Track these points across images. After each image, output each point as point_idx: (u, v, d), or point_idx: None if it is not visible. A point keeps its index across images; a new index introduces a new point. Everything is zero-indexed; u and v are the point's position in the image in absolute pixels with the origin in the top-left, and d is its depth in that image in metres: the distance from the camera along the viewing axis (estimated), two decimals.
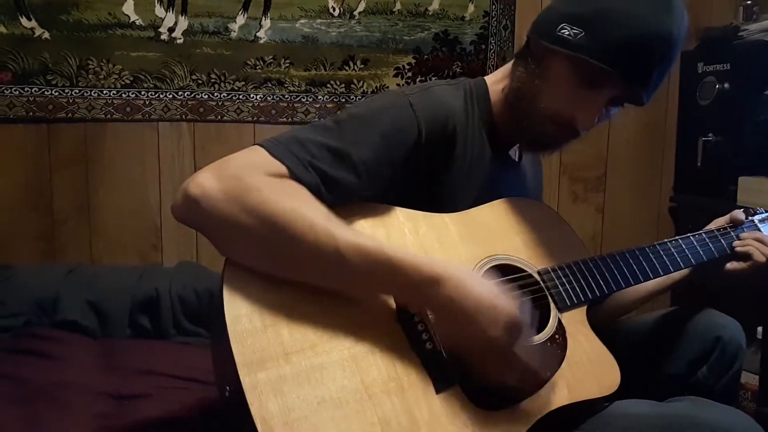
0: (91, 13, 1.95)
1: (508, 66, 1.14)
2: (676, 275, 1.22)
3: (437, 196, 1.04)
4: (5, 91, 1.92)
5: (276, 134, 0.92)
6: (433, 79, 2.23)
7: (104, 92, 1.99)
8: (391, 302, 0.92)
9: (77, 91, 1.97)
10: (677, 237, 1.20)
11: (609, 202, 2.49)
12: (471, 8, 2.26)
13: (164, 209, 2.07)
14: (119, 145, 2.03)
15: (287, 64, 2.12)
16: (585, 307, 1.07)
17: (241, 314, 0.83)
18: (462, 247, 1.01)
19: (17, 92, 1.93)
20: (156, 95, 2.03)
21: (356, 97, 2.19)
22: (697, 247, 1.19)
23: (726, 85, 2.17)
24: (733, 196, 2.04)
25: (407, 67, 2.23)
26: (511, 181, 1.20)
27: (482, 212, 1.08)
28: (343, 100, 2.19)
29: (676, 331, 1.20)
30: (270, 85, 2.12)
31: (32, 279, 1.75)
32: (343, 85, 2.18)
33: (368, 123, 0.95)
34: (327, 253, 0.83)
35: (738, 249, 1.20)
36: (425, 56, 2.25)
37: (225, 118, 2.09)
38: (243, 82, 2.09)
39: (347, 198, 0.93)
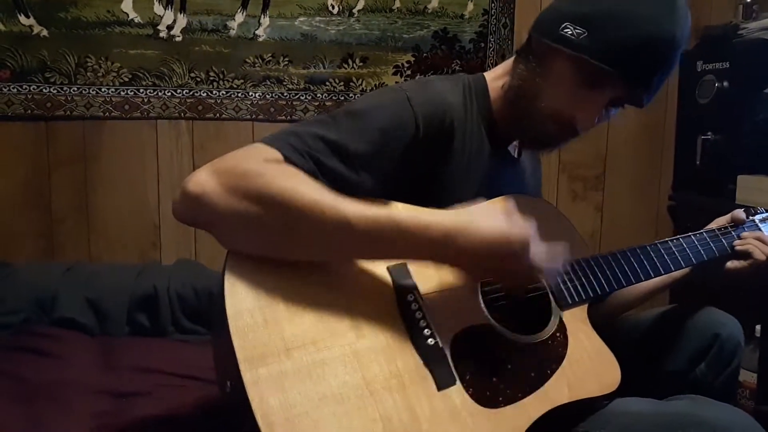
0: (90, 11, 1.95)
1: (509, 62, 1.14)
2: (677, 274, 1.22)
3: (436, 191, 1.04)
4: (3, 88, 1.91)
5: (274, 132, 0.92)
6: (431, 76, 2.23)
7: (103, 90, 1.99)
8: (393, 297, 0.92)
9: (76, 88, 1.97)
10: (679, 236, 1.20)
11: (608, 201, 2.49)
12: (470, 6, 2.26)
13: (163, 207, 2.07)
14: (118, 143, 2.02)
15: (286, 62, 2.12)
16: (586, 305, 1.08)
17: (242, 309, 0.82)
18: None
19: (15, 90, 1.92)
20: (155, 93, 2.03)
21: (355, 95, 2.19)
22: (698, 246, 1.20)
23: (725, 84, 2.17)
24: (732, 195, 2.04)
25: (406, 65, 2.23)
26: (510, 177, 1.20)
27: (483, 208, 1.07)
28: (342, 98, 2.18)
29: (676, 328, 1.20)
30: (269, 83, 2.12)
31: (31, 277, 1.74)
32: (342, 83, 2.18)
33: (365, 117, 0.95)
34: (334, 224, 0.83)
35: (738, 248, 1.20)
36: (424, 54, 2.25)
37: (224, 116, 2.09)
38: (242, 80, 2.09)
39: (342, 188, 0.92)
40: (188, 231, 2.06)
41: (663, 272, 1.16)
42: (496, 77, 1.14)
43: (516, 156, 1.22)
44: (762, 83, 2.07)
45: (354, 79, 2.19)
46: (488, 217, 0.88)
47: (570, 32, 1.00)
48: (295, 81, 2.14)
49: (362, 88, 2.20)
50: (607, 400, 0.99)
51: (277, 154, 0.87)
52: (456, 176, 1.05)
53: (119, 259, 2.02)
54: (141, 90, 2.02)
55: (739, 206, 1.30)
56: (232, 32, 2.07)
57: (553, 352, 0.99)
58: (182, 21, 2.02)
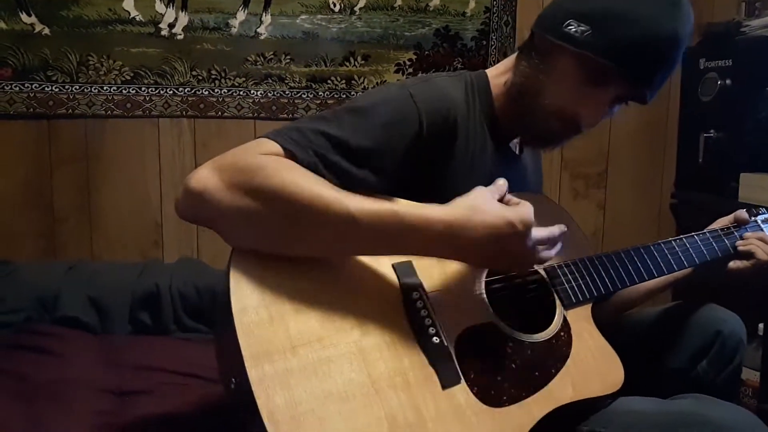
0: (92, 9, 1.95)
1: (511, 59, 1.13)
2: (680, 273, 1.22)
3: (438, 188, 1.04)
4: (5, 87, 1.91)
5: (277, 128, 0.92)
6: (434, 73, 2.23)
7: (104, 88, 1.99)
8: (399, 295, 0.92)
9: (77, 87, 1.97)
10: (682, 236, 1.20)
11: (610, 199, 2.49)
12: (472, 4, 2.26)
13: (165, 205, 2.07)
14: (120, 141, 2.02)
15: (288, 60, 2.12)
16: (590, 305, 1.08)
17: (247, 306, 0.82)
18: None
19: (17, 88, 1.92)
20: (156, 91, 2.03)
21: (357, 93, 2.19)
22: (701, 246, 1.20)
23: (728, 82, 2.17)
24: (735, 193, 2.04)
25: (408, 63, 2.23)
26: (512, 174, 1.19)
27: None
28: (344, 96, 2.18)
29: (677, 325, 1.20)
30: (270, 81, 2.11)
31: (33, 275, 1.74)
32: (343, 81, 2.18)
33: (368, 114, 0.95)
34: (338, 219, 0.83)
35: (741, 248, 1.21)
36: (426, 52, 2.24)
37: (225, 114, 2.09)
38: (243, 78, 2.09)
39: (345, 184, 0.92)
40: (190, 229, 2.06)
41: (666, 272, 1.16)
42: (498, 74, 1.13)
43: (517, 153, 1.22)
44: (765, 81, 2.07)
45: (356, 77, 2.19)
46: (487, 204, 0.88)
47: (574, 29, 1.00)
48: (297, 79, 2.13)
49: (364, 86, 2.19)
50: (610, 399, 0.99)
51: (278, 148, 0.87)
52: (459, 173, 1.05)
53: (121, 257, 2.02)
54: (143, 88, 2.02)
55: (742, 204, 1.30)
56: (234, 30, 2.07)
57: (558, 351, 0.99)
58: (184, 19, 2.02)
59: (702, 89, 2.27)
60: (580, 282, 1.07)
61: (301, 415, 0.77)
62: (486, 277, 1.00)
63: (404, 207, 0.86)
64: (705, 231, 1.24)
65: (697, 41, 2.31)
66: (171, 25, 2.02)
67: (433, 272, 0.96)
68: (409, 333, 0.89)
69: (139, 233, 2.06)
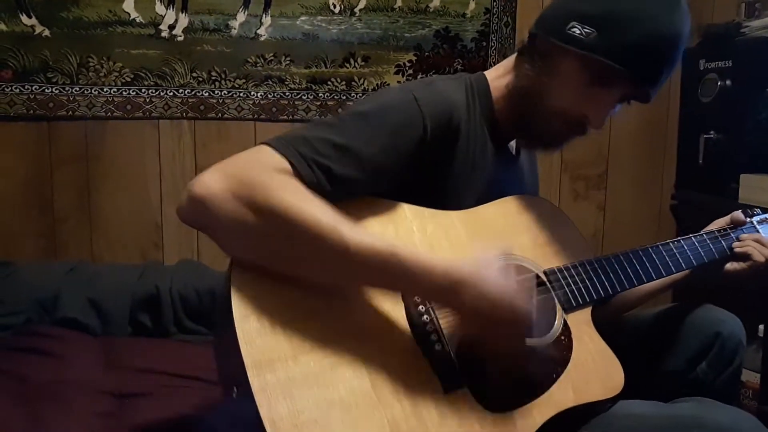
0: (92, 11, 1.95)
1: (510, 61, 1.13)
2: (678, 275, 1.22)
3: (440, 191, 1.04)
4: (6, 88, 1.91)
5: (277, 132, 0.92)
6: (437, 75, 2.23)
7: (105, 90, 1.99)
8: (400, 302, 0.92)
9: (78, 88, 1.97)
10: (679, 238, 1.20)
11: (610, 200, 2.49)
12: (472, 5, 2.26)
13: (165, 207, 2.07)
14: (120, 143, 2.02)
15: (288, 62, 2.12)
16: (590, 308, 1.08)
17: (249, 314, 0.82)
18: (469, 245, 1.01)
19: (18, 90, 1.92)
20: (157, 93, 2.03)
21: (357, 94, 2.19)
22: (699, 248, 1.20)
23: (728, 83, 2.16)
24: (735, 194, 2.04)
25: (408, 64, 2.23)
26: (511, 175, 1.20)
27: (489, 210, 1.08)
28: (344, 97, 2.18)
29: (676, 327, 1.20)
30: (271, 82, 2.11)
31: (33, 277, 1.75)
32: (344, 83, 2.18)
33: (373, 119, 0.95)
34: (335, 250, 0.82)
35: (737, 250, 1.21)
36: (426, 53, 2.24)
37: (226, 115, 2.09)
38: (244, 80, 2.09)
39: (351, 194, 0.92)
40: (191, 231, 2.06)
41: (665, 274, 1.16)
42: (497, 76, 1.14)
43: (514, 153, 1.22)
44: (765, 82, 2.07)
45: (356, 79, 2.19)
46: (495, 274, 0.87)
47: (578, 32, 1.00)
48: (297, 80, 2.13)
49: (364, 88, 2.19)
50: (610, 403, 0.99)
51: (285, 165, 0.87)
52: (460, 176, 1.05)
53: (121, 259, 2.02)
54: (143, 90, 2.02)
55: (742, 205, 1.30)
56: (234, 32, 2.07)
57: (558, 356, 0.99)
58: (184, 21, 2.02)
59: (702, 90, 2.27)
60: (580, 285, 1.07)
61: (304, 424, 0.77)
62: None
63: (405, 249, 0.85)
64: (702, 233, 1.24)
65: (697, 42, 2.31)
66: (171, 27, 2.02)
67: None
68: (411, 340, 0.89)
69: (140, 234, 2.06)
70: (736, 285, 1.21)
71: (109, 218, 2.03)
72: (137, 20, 1.99)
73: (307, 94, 2.15)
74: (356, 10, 2.16)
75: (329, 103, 2.17)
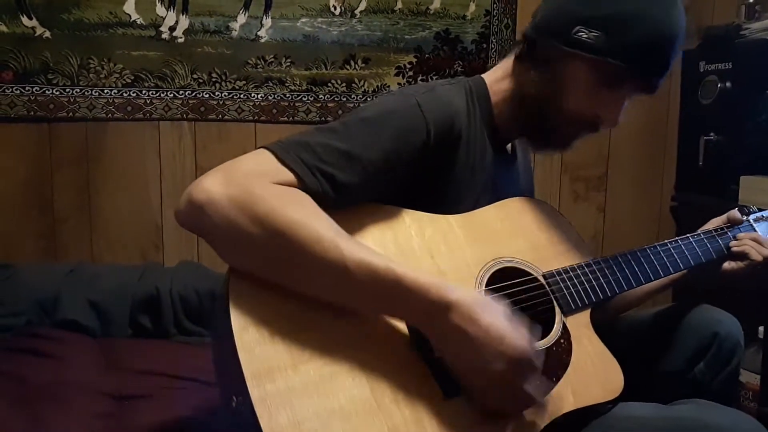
0: (92, 12, 1.95)
1: (508, 64, 1.13)
2: (676, 275, 1.22)
3: (440, 195, 1.04)
4: (6, 90, 1.91)
5: (277, 133, 0.92)
6: (434, 78, 2.23)
7: (105, 91, 1.99)
8: None
9: (78, 90, 1.97)
10: (676, 238, 1.20)
11: (610, 202, 2.49)
12: (472, 7, 2.26)
13: (165, 208, 2.07)
14: (120, 144, 2.03)
15: (288, 63, 2.12)
16: (589, 310, 1.07)
17: (248, 323, 0.81)
18: (468, 249, 1.01)
19: (18, 91, 1.93)
20: (157, 94, 2.03)
21: (357, 96, 2.19)
22: (696, 247, 1.20)
23: (728, 84, 2.17)
24: (735, 196, 2.04)
25: (408, 66, 2.23)
26: (508, 176, 1.20)
27: (487, 213, 1.08)
28: (344, 99, 2.18)
29: (674, 327, 1.20)
30: (271, 84, 2.12)
31: (33, 278, 1.75)
32: (344, 85, 2.18)
33: (377, 124, 0.95)
34: (333, 267, 0.81)
35: (734, 249, 1.21)
36: (426, 55, 2.24)
37: (226, 117, 2.09)
38: (244, 82, 2.09)
39: (355, 200, 0.92)
40: (191, 233, 2.06)
41: (663, 274, 1.16)
42: (496, 80, 1.13)
43: (510, 153, 1.22)
44: (765, 84, 2.07)
45: (356, 81, 2.19)
46: (496, 309, 0.84)
47: (585, 35, 1.01)
48: (297, 82, 2.14)
49: (364, 90, 2.20)
50: (610, 405, 0.99)
51: (289, 175, 0.86)
52: (460, 181, 1.05)
53: (121, 260, 2.02)
54: (143, 91, 2.02)
55: (741, 206, 1.30)
56: (234, 33, 2.07)
57: (558, 359, 0.98)
58: (184, 22, 2.02)
59: (702, 92, 2.27)
60: (579, 288, 1.07)
61: None
62: (485, 287, 0.99)
63: (403, 269, 0.83)
64: (699, 232, 1.24)
65: (697, 44, 2.31)
66: (172, 29, 2.02)
67: None
68: (411, 347, 0.89)
69: (140, 235, 2.06)
70: (733, 284, 1.21)
71: (109, 219, 2.03)
72: (138, 22, 1.99)
73: (308, 95, 2.15)
74: (357, 11, 2.16)
75: (329, 104, 2.17)
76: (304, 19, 2.12)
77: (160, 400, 1.33)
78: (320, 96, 2.16)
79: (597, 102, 1.05)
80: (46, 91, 1.95)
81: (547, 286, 1.05)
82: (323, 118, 2.15)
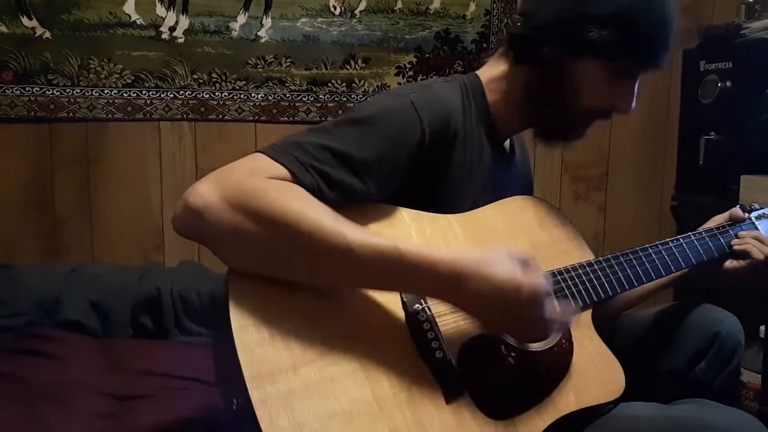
0: (92, 13, 1.95)
1: (503, 63, 1.12)
2: (677, 273, 1.22)
3: (437, 195, 1.04)
4: (6, 90, 1.91)
5: (278, 133, 0.92)
6: (434, 77, 2.23)
7: (105, 92, 1.99)
8: (401, 310, 0.91)
9: (78, 90, 1.97)
10: (678, 236, 1.20)
11: (611, 201, 2.49)
12: (472, 7, 2.26)
13: (166, 209, 2.07)
14: (121, 144, 2.03)
15: (288, 63, 2.12)
16: (590, 310, 1.07)
17: (248, 324, 0.80)
18: (468, 248, 1.01)
19: (18, 92, 1.93)
20: (157, 95, 2.03)
21: (357, 96, 2.19)
22: (697, 245, 1.19)
23: (728, 84, 2.16)
24: (735, 195, 2.04)
25: (408, 66, 2.23)
26: (506, 174, 1.20)
27: (488, 213, 1.08)
28: (345, 99, 2.18)
29: (674, 326, 1.20)
30: (271, 84, 2.12)
31: (34, 279, 1.75)
32: (344, 84, 2.18)
33: (371, 125, 0.94)
34: (338, 252, 0.81)
35: (736, 248, 1.20)
36: (426, 55, 2.24)
37: (226, 117, 2.09)
38: (244, 82, 2.09)
39: (350, 200, 0.92)
40: None
41: (664, 273, 1.15)
42: (492, 78, 1.13)
43: (508, 151, 1.22)
44: (765, 83, 2.07)
45: (356, 80, 2.19)
46: (499, 261, 0.85)
47: (597, 35, 1.01)
48: (298, 82, 2.14)
49: (364, 89, 2.20)
50: (611, 405, 0.99)
51: (282, 170, 0.86)
52: (457, 180, 1.05)
53: (122, 260, 2.02)
54: (144, 92, 2.02)
55: (742, 205, 1.29)
56: (234, 33, 2.07)
57: (560, 360, 0.98)
58: (184, 22, 2.02)
59: (702, 91, 2.27)
60: (581, 288, 1.06)
61: None
62: None
63: (408, 245, 0.84)
64: (700, 230, 1.23)
65: (697, 43, 2.31)
66: (172, 29, 2.02)
67: None
68: (412, 348, 0.89)
69: (141, 236, 2.06)
70: (735, 283, 1.20)
71: (109, 220, 2.03)
72: (138, 22, 1.99)
73: (308, 95, 2.15)
74: (356, 11, 2.16)
75: (330, 104, 2.17)
76: (304, 19, 2.12)
77: (161, 400, 1.33)
78: (320, 96, 2.16)
79: (612, 94, 1.06)
80: (47, 92, 1.95)
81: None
82: (323, 118, 2.15)
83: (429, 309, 0.92)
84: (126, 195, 2.04)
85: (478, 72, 1.15)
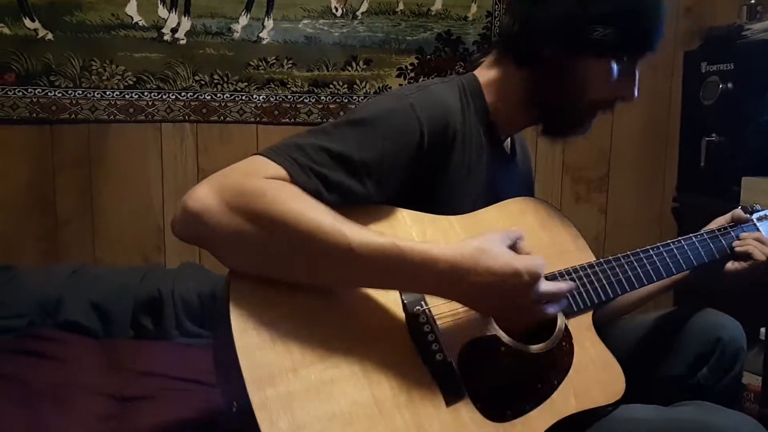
0: (94, 14, 1.96)
1: (500, 63, 1.12)
2: (678, 275, 1.22)
3: (436, 196, 1.04)
4: (9, 92, 1.92)
5: (279, 135, 0.92)
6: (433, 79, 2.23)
7: (107, 93, 1.99)
8: (401, 312, 0.91)
9: (80, 92, 1.97)
10: (680, 238, 1.20)
11: (612, 203, 2.49)
12: (474, 8, 2.26)
13: (167, 210, 2.07)
14: (122, 146, 2.03)
15: (290, 65, 2.12)
16: (591, 312, 1.07)
17: (248, 326, 0.80)
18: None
19: (20, 93, 1.93)
20: (159, 96, 2.03)
21: (359, 97, 2.19)
22: (699, 247, 1.19)
23: (729, 85, 2.17)
24: (736, 197, 2.04)
25: (410, 67, 2.23)
26: (507, 175, 1.20)
27: (489, 214, 1.08)
28: (346, 100, 2.19)
29: (676, 331, 1.20)
30: (273, 85, 2.12)
31: (35, 280, 1.75)
32: (345, 86, 2.18)
33: (370, 126, 0.94)
34: (338, 252, 0.81)
35: (738, 249, 1.20)
36: (428, 56, 2.25)
37: (228, 118, 2.10)
38: (246, 83, 2.09)
39: (349, 201, 0.92)
40: None
41: (665, 275, 1.15)
42: (490, 79, 1.12)
43: (509, 152, 1.22)
44: (766, 84, 2.07)
45: (358, 82, 2.19)
46: (496, 250, 0.86)
47: (601, 34, 1.02)
48: (299, 83, 2.14)
49: (366, 91, 2.20)
50: (611, 407, 0.99)
51: (281, 172, 0.85)
52: (456, 181, 1.05)
53: (123, 262, 2.02)
54: (145, 93, 2.02)
55: (744, 206, 1.29)
56: (236, 35, 2.07)
57: (560, 362, 0.98)
58: (186, 24, 2.03)
59: (703, 93, 2.27)
60: (582, 290, 1.06)
61: None
62: None
63: (408, 243, 0.84)
64: (702, 231, 1.23)
65: (698, 45, 2.31)
66: (174, 30, 2.02)
67: None
68: (412, 350, 0.89)
69: (142, 237, 2.07)
70: (736, 285, 1.20)
71: (111, 221, 2.04)
72: (140, 24, 1.99)
73: (309, 97, 2.15)
74: (358, 13, 2.17)
75: (331, 106, 2.17)
76: (305, 21, 2.12)
77: (161, 401, 1.33)
78: (322, 97, 2.16)
79: (616, 86, 1.08)
80: (49, 93, 1.95)
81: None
82: (325, 120, 2.15)
83: (429, 311, 0.92)
84: (127, 196, 2.04)
85: (475, 72, 1.15)
